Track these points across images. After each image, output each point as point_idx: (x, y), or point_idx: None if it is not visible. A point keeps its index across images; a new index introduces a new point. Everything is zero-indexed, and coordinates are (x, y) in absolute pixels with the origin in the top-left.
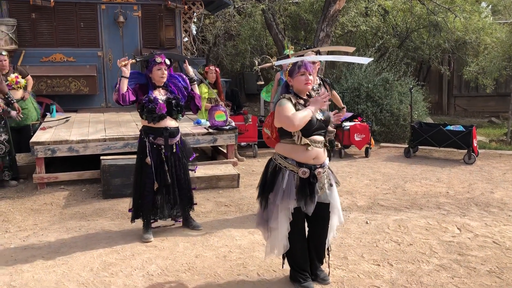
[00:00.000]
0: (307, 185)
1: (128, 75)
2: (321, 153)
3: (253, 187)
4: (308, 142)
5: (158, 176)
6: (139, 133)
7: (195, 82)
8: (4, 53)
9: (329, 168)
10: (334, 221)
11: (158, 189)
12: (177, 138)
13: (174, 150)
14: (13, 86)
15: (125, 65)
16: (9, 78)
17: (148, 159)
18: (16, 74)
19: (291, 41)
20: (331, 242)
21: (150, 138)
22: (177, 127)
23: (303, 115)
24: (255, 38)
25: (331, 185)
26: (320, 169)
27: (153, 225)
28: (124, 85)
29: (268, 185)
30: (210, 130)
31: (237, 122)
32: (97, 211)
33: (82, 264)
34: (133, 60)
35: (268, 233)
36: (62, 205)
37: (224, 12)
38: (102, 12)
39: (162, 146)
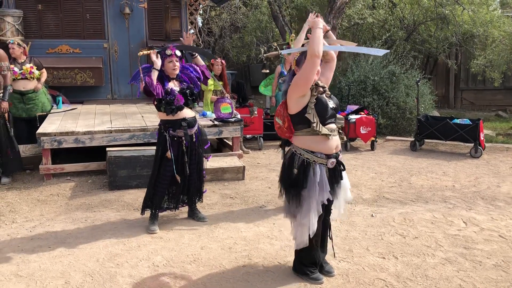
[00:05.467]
0: (338, 173)
1: (159, 67)
2: (339, 141)
3: (259, 179)
4: (328, 132)
5: (178, 168)
6: (145, 124)
7: (196, 55)
8: (12, 41)
9: None
10: (341, 199)
11: (178, 180)
12: (196, 127)
13: (194, 140)
14: (26, 75)
15: (146, 54)
16: (24, 67)
17: (169, 153)
18: (31, 65)
19: (297, 33)
20: (335, 231)
21: (170, 131)
22: (194, 117)
23: (314, 39)
24: (261, 30)
25: None
26: (341, 155)
27: (160, 213)
28: (155, 77)
29: (299, 182)
30: (216, 122)
31: (242, 115)
32: (103, 202)
33: (88, 254)
34: (153, 50)
35: (295, 226)
36: (68, 196)
37: (230, 4)
38: (108, 3)
39: (183, 138)
